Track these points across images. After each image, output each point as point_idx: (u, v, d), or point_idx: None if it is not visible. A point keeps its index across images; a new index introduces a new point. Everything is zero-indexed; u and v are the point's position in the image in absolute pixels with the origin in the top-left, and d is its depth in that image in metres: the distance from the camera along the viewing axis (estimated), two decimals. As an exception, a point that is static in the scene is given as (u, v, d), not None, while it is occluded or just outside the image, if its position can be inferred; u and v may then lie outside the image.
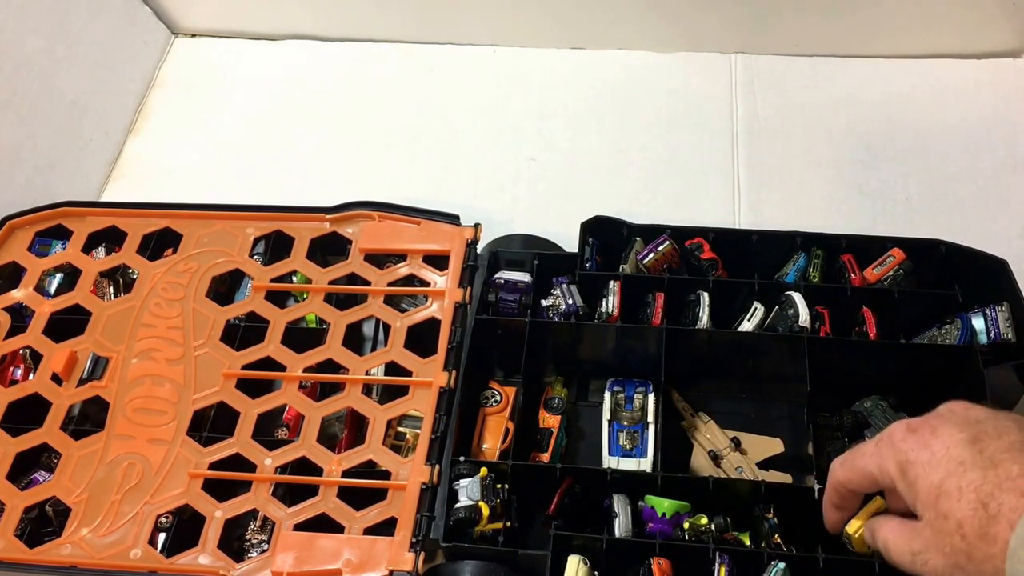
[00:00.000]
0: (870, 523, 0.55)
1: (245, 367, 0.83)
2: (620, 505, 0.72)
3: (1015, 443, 0.45)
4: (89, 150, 1.13)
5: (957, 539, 0.45)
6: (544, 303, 0.84)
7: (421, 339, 0.83)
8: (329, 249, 0.92)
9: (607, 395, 0.81)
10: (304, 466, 0.77)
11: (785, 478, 0.77)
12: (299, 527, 0.73)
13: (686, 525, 0.70)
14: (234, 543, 0.75)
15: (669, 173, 1.07)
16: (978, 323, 0.77)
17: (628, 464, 0.76)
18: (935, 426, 0.48)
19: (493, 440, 0.79)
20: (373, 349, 0.88)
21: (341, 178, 1.10)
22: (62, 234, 0.94)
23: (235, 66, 1.24)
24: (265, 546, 0.73)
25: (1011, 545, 0.42)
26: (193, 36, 1.29)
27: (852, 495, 0.55)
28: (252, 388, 0.82)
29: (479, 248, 0.89)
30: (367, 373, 0.82)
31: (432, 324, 0.83)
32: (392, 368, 0.82)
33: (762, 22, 1.13)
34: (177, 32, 1.28)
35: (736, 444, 0.80)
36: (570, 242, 0.89)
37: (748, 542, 0.71)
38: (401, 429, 0.81)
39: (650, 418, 0.78)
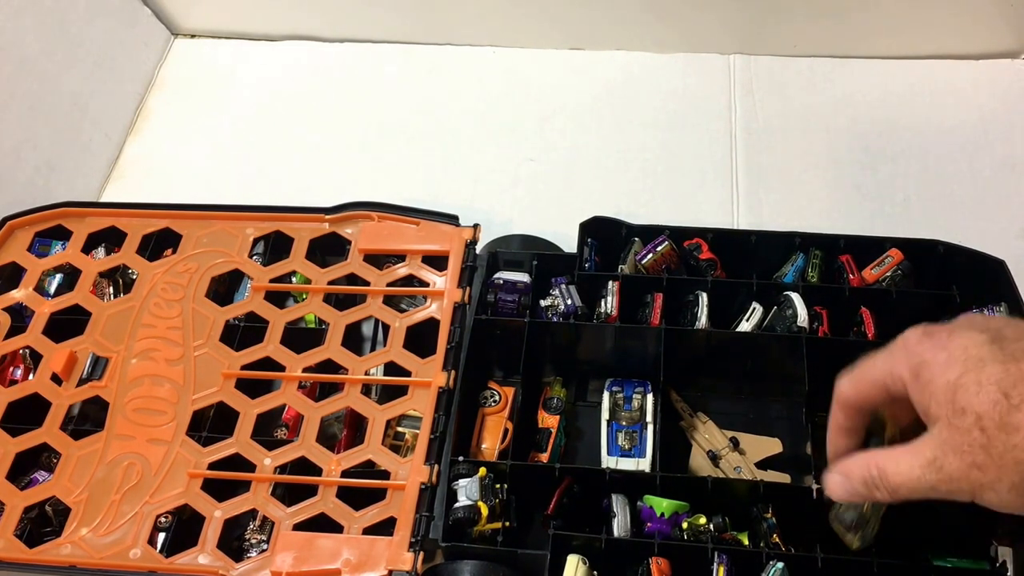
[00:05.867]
0: (843, 465, 0.51)
1: (244, 367, 0.83)
2: (619, 505, 0.72)
3: None
4: (89, 151, 1.13)
5: (976, 433, 0.43)
6: (543, 303, 0.84)
7: (420, 339, 0.83)
8: (328, 249, 0.92)
9: (606, 395, 0.81)
10: (303, 466, 0.77)
11: (783, 478, 0.77)
12: (298, 527, 0.73)
13: (685, 525, 0.70)
14: (233, 543, 0.75)
15: (668, 174, 1.07)
16: (976, 323, 0.77)
17: (627, 464, 0.76)
18: (952, 329, 0.47)
19: (492, 440, 0.79)
20: (372, 349, 0.88)
21: (340, 178, 1.10)
22: (62, 234, 0.94)
23: (235, 67, 1.25)
24: (264, 546, 0.73)
25: None
26: (193, 37, 1.29)
27: (859, 413, 0.53)
28: (251, 388, 0.82)
29: (478, 248, 0.89)
30: (366, 373, 0.82)
31: (431, 324, 0.83)
32: (391, 368, 0.82)
33: (760, 23, 1.13)
34: (177, 33, 1.29)
35: (735, 444, 0.80)
36: (569, 242, 0.89)
37: (747, 542, 0.71)
38: (400, 429, 0.81)
39: (649, 418, 0.78)
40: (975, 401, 0.44)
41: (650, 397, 0.80)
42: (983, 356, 0.45)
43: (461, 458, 0.74)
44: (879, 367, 0.50)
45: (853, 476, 0.51)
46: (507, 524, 0.73)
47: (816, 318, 0.79)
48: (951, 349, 0.46)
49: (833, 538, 0.67)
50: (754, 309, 0.82)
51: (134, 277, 0.91)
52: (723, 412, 0.83)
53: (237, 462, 0.78)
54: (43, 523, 0.78)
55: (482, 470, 0.73)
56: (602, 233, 0.87)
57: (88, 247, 0.93)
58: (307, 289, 0.88)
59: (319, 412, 0.80)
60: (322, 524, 0.73)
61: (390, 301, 0.86)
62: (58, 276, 0.92)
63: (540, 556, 0.69)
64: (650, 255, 0.84)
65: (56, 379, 0.84)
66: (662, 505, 0.71)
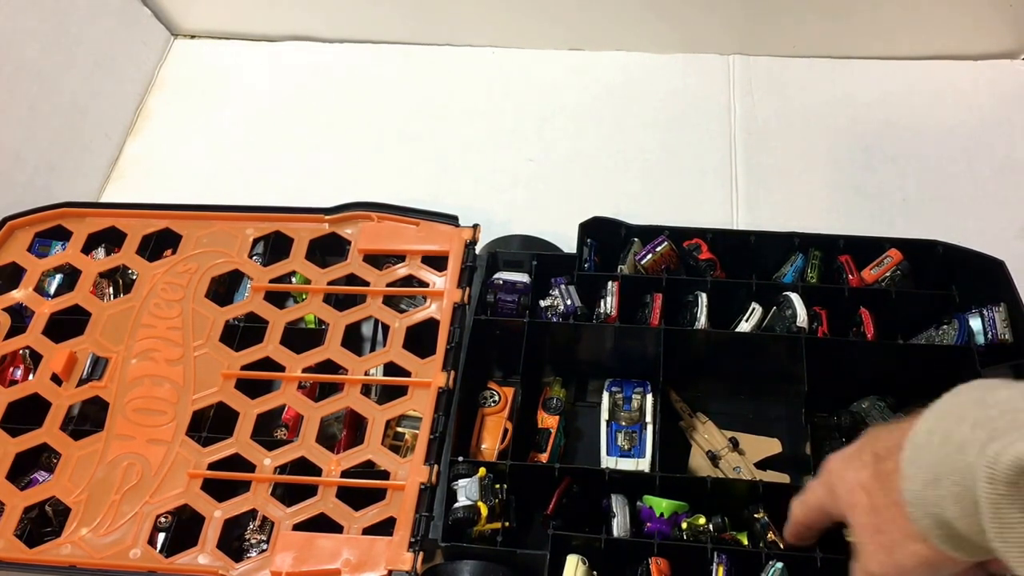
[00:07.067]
0: None
1: (244, 367, 0.83)
2: (618, 505, 0.72)
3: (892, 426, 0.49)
4: (89, 151, 1.13)
5: (864, 499, 0.47)
6: (542, 303, 0.84)
7: (420, 339, 0.83)
8: (328, 250, 0.92)
9: (605, 395, 0.81)
10: (303, 466, 0.77)
11: (783, 478, 0.77)
12: (298, 527, 0.73)
13: (684, 525, 0.70)
14: (233, 543, 0.75)
15: (667, 174, 1.07)
16: (975, 323, 0.77)
17: (626, 464, 0.76)
18: (855, 444, 0.52)
19: (492, 440, 0.79)
20: (372, 349, 0.88)
21: (340, 179, 1.10)
22: (62, 235, 0.95)
23: (234, 67, 1.25)
24: (264, 546, 0.73)
25: (904, 454, 0.44)
26: (192, 37, 1.29)
27: (809, 530, 0.58)
28: (251, 388, 0.82)
29: (478, 249, 0.89)
30: (366, 373, 0.82)
31: (431, 325, 0.83)
32: (391, 368, 0.82)
33: (760, 24, 1.13)
34: (176, 33, 1.29)
35: (734, 444, 0.80)
36: (568, 243, 0.89)
37: (746, 542, 0.71)
38: (400, 429, 0.81)
39: (648, 418, 0.79)
40: (859, 475, 0.48)
41: (649, 397, 0.80)
42: (850, 452, 0.50)
43: (461, 458, 0.75)
44: (814, 493, 0.54)
45: None
46: (507, 524, 0.73)
47: (815, 318, 0.79)
48: (848, 456, 0.51)
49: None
50: (753, 309, 0.82)
51: (134, 277, 0.91)
52: (722, 412, 0.83)
53: (237, 462, 0.78)
54: (43, 523, 0.78)
55: (482, 470, 0.73)
56: (601, 233, 0.87)
57: (88, 247, 0.93)
58: (307, 289, 0.88)
59: (319, 412, 0.80)
60: (322, 524, 0.73)
61: (390, 301, 0.86)
62: (58, 276, 0.92)
63: (540, 556, 0.69)
64: (649, 255, 0.84)
65: (56, 379, 0.84)
66: (661, 505, 0.71)
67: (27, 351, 0.87)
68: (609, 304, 0.82)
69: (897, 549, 0.45)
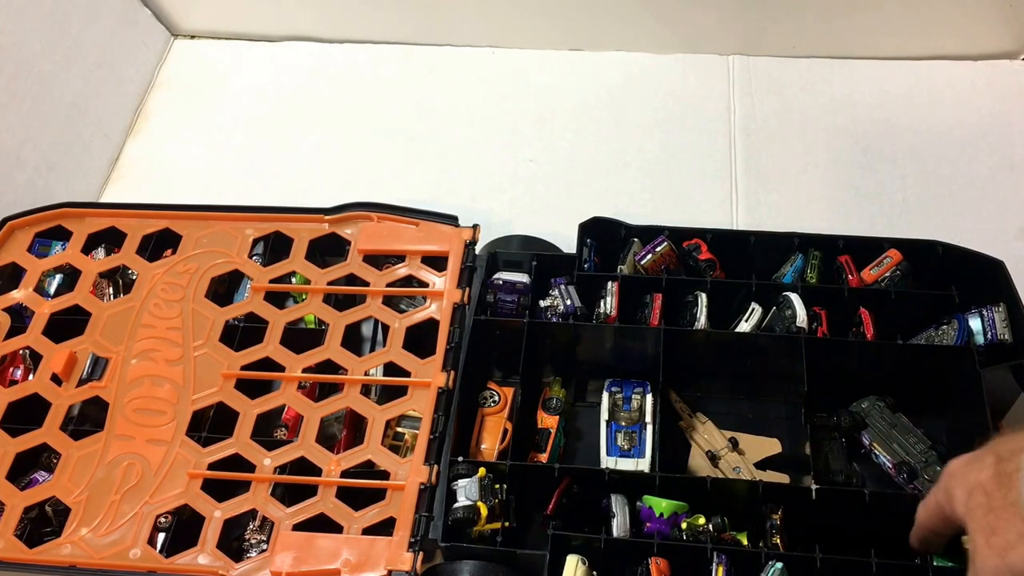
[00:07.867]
0: None
1: (244, 367, 0.83)
2: (618, 505, 0.72)
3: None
4: (89, 151, 1.13)
5: (981, 498, 0.47)
6: (542, 304, 0.84)
7: (420, 340, 0.83)
8: (328, 250, 0.92)
9: (605, 395, 0.81)
10: (303, 466, 0.77)
11: (782, 478, 0.77)
12: (298, 527, 0.73)
13: (684, 525, 0.70)
14: (233, 543, 0.75)
15: (667, 174, 1.07)
16: (975, 324, 0.77)
17: (626, 464, 0.76)
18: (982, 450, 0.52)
19: (491, 440, 0.79)
20: (372, 350, 0.88)
21: (340, 179, 1.11)
22: (62, 235, 0.95)
23: (234, 67, 1.25)
24: (264, 546, 0.73)
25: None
26: (192, 38, 1.29)
27: (932, 533, 0.57)
28: (251, 388, 0.82)
29: (478, 249, 0.89)
30: (366, 374, 0.82)
31: (431, 325, 0.83)
32: (391, 368, 0.82)
33: (759, 24, 1.13)
34: (176, 34, 1.29)
35: (734, 444, 0.80)
36: (568, 243, 0.89)
37: (746, 542, 0.71)
38: (400, 429, 0.81)
39: (648, 418, 0.78)
40: (980, 476, 0.48)
41: (649, 397, 0.80)
42: (975, 455, 0.51)
43: (460, 458, 0.75)
44: (933, 496, 0.55)
45: None
46: (506, 524, 0.73)
47: (815, 318, 0.79)
48: (970, 458, 0.51)
49: (832, 538, 0.67)
50: (753, 309, 0.82)
51: (134, 277, 0.91)
52: (722, 412, 0.83)
53: (237, 462, 0.78)
54: (43, 523, 0.78)
55: (481, 470, 0.73)
56: (601, 234, 0.87)
57: (88, 247, 0.93)
58: (307, 290, 0.88)
59: (319, 412, 0.80)
60: (322, 524, 0.73)
61: (390, 301, 0.86)
62: (58, 276, 0.92)
63: (539, 556, 0.69)
64: (649, 255, 0.84)
65: (56, 379, 0.84)
66: (661, 505, 0.71)
67: (27, 351, 0.87)
68: (609, 304, 0.82)
69: (1011, 552, 0.45)
